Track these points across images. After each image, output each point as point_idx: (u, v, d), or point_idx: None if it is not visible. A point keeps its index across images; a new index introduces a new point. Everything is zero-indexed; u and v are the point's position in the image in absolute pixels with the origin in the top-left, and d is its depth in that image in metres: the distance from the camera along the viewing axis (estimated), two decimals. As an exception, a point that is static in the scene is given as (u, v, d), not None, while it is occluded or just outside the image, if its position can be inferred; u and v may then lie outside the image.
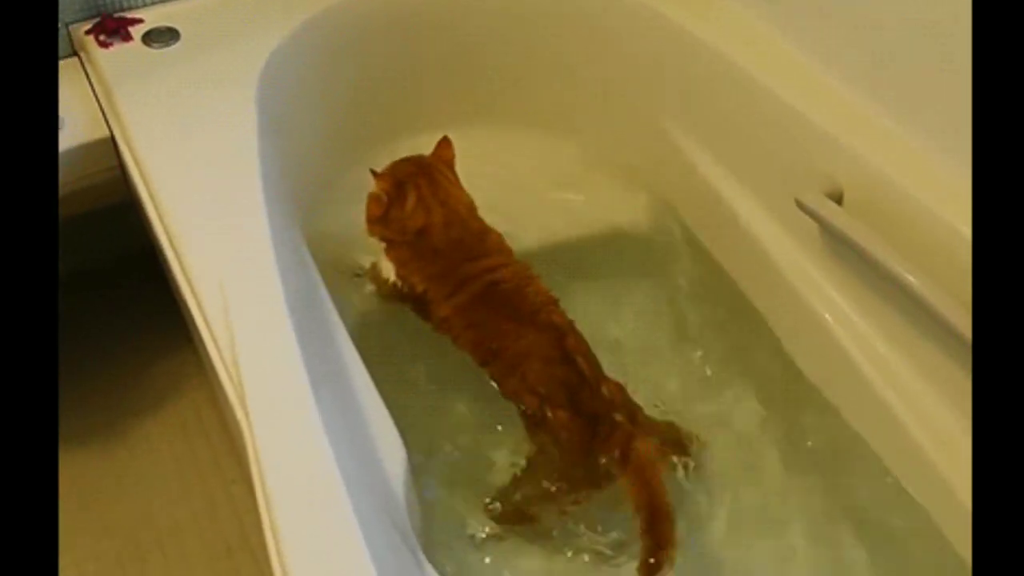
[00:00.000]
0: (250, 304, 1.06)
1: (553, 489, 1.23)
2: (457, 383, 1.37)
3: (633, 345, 1.48)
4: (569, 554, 1.23)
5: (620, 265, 1.60)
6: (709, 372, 1.45)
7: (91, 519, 1.43)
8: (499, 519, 1.24)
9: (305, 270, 1.22)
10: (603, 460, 1.18)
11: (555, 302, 1.31)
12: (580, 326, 1.31)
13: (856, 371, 1.29)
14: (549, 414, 1.21)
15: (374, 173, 1.36)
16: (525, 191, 1.66)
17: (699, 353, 1.47)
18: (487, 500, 1.26)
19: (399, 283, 1.37)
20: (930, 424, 1.21)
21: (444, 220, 1.34)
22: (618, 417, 1.20)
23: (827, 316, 1.33)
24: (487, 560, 1.23)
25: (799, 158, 1.34)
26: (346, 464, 0.92)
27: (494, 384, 1.29)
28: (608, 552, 1.22)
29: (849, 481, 1.31)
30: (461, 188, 1.39)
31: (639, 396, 1.28)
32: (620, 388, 1.25)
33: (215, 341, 1.05)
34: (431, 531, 1.14)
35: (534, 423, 1.25)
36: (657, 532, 1.10)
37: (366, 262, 1.46)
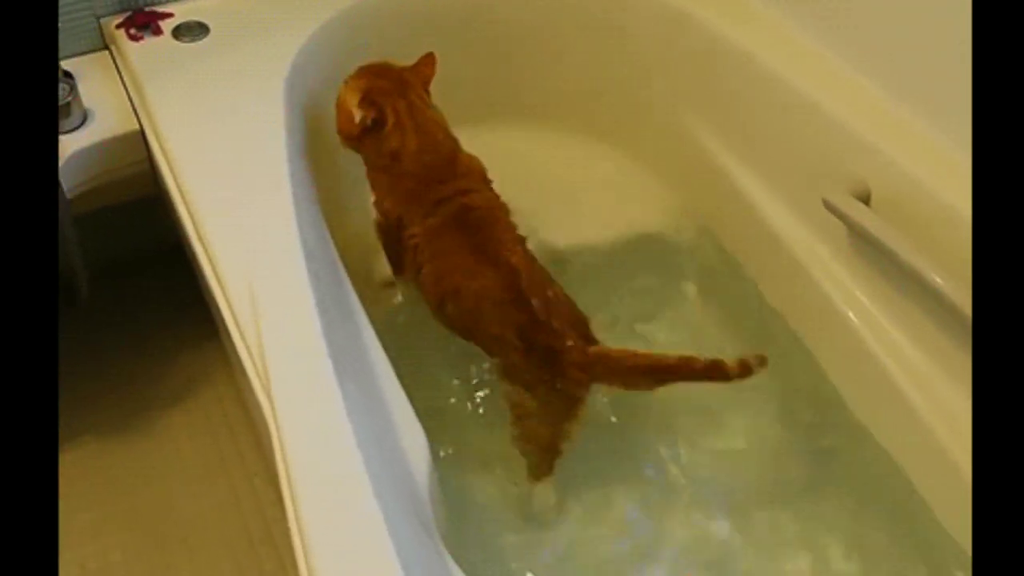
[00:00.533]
0: (277, 298, 1.07)
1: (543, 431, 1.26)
2: (480, 378, 1.37)
3: (659, 347, 1.47)
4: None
5: (645, 266, 1.59)
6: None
7: (116, 510, 1.44)
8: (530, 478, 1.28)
9: (332, 265, 1.22)
10: (564, 383, 1.21)
11: (521, 241, 1.30)
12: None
13: (882, 372, 1.28)
14: (505, 358, 1.24)
15: (347, 83, 1.32)
16: (552, 191, 1.66)
17: (723, 353, 1.46)
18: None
19: (378, 216, 1.35)
20: (957, 427, 1.20)
21: (418, 146, 1.31)
22: (569, 342, 1.20)
23: (853, 316, 1.33)
24: (507, 551, 1.24)
25: (826, 158, 1.34)
26: (371, 458, 0.92)
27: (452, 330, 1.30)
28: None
29: (874, 489, 1.31)
30: (435, 109, 1.35)
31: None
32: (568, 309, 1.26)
33: (242, 335, 1.06)
34: (453, 524, 1.15)
35: (498, 365, 1.27)
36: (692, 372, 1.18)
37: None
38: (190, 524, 1.42)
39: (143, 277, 1.70)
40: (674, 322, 1.52)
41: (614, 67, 1.66)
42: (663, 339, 1.49)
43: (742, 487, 1.33)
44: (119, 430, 1.54)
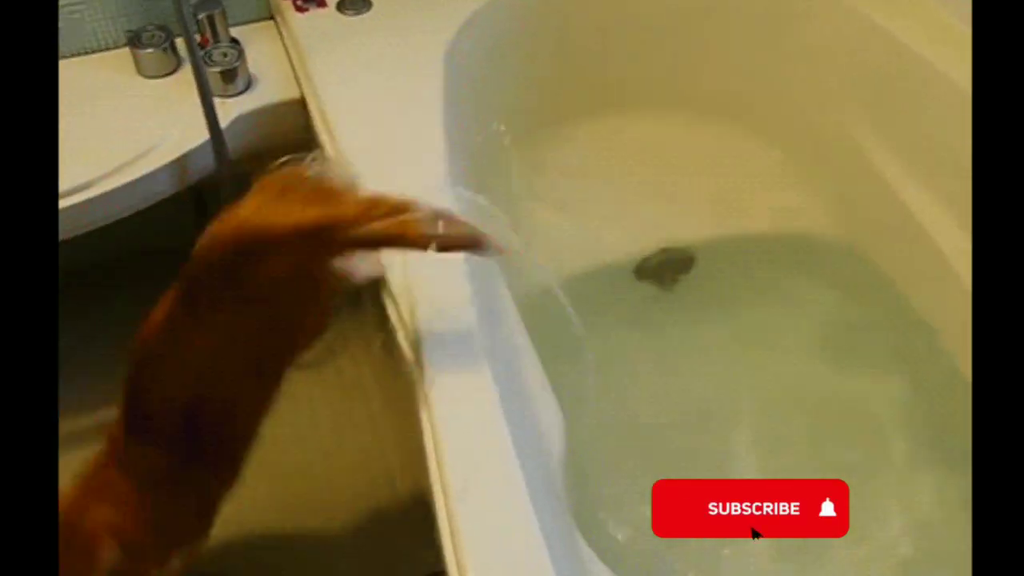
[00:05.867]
0: (431, 273, 1.08)
1: None
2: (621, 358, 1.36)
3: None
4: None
5: (784, 268, 1.56)
6: (868, 380, 1.41)
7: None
8: None
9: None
10: None
11: None
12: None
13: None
14: None
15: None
16: (692, 181, 1.64)
17: (862, 358, 1.43)
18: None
19: None
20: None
21: None
22: None
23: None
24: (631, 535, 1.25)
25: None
26: (516, 433, 0.93)
27: None
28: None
29: None
30: None
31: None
32: None
33: (395, 302, 1.07)
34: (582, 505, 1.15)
35: None
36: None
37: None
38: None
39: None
40: (811, 326, 1.49)
41: (780, 61, 1.61)
42: (791, 342, 1.45)
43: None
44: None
